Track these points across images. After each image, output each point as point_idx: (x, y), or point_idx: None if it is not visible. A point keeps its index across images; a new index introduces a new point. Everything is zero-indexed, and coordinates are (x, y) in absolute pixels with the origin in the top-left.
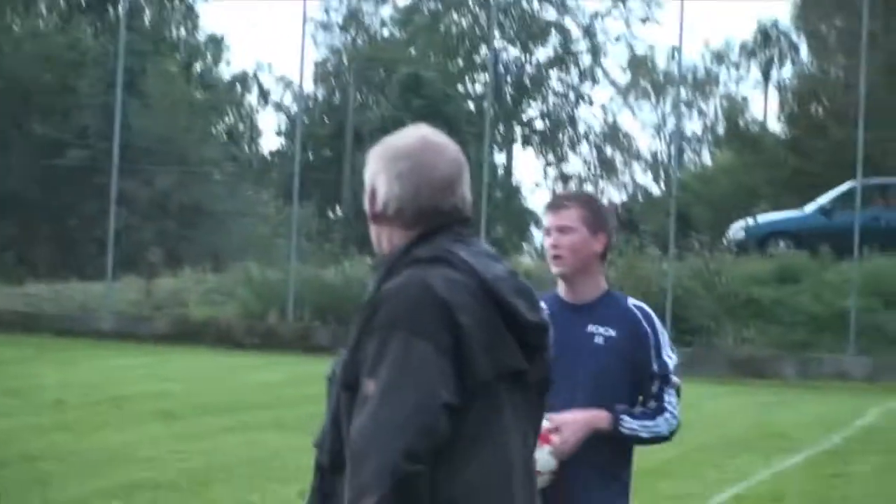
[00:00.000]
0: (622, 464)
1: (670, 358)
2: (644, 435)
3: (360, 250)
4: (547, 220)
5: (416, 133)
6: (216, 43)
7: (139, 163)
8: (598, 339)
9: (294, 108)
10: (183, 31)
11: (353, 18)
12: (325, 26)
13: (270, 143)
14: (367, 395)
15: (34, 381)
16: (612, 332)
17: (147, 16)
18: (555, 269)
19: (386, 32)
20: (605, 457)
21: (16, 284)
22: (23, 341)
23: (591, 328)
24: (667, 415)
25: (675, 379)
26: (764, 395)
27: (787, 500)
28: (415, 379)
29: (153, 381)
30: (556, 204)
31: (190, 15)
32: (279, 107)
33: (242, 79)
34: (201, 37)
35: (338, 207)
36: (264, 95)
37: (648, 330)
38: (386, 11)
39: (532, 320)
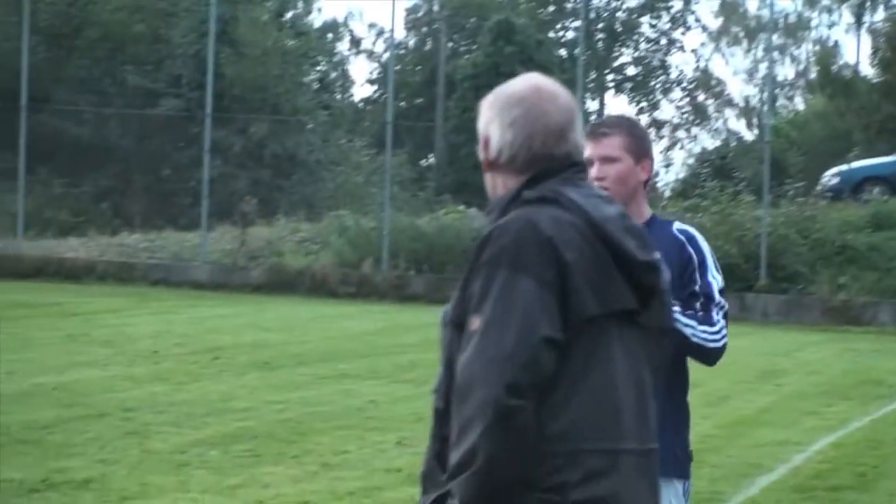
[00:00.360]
0: (678, 385)
1: (715, 279)
2: (687, 333)
3: (454, 198)
4: (588, 149)
5: (528, 81)
6: None
7: (232, 112)
8: None
9: (386, 56)
10: None
11: None
12: None
13: (363, 91)
14: (472, 330)
15: (130, 331)
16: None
17: None
18: None
19: None
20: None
21: (111, 235)
22: (118, 292)
23: None
24: (713, 329)
25: (720, 299)
26: (860, 342)
27: (884, 448)
28: (517, 314)
29: (249, 331)
30: (597, 132)
31: None
32: (371, 55)
33: (333, 26)
34: None
35: (431, 155)
36: (356, 43)
37: (693, 252)
38: None
39: (641, 259)
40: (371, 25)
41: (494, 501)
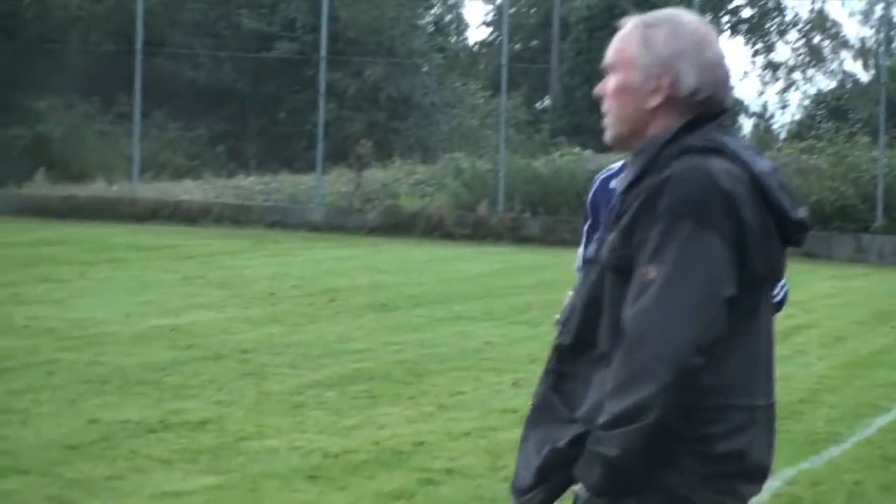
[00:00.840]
0: None
1: None
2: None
3: (569, 140)
4: None
5: (697, 18)
6: None
7: (347, 54)
8: None
9: None
10: None
11: None
12: None
13: (477, 34)
14: (648, 280)
15: (246, 273)
16: None
17: None
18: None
19: None
20: None
21: (226, 178)
22: (234, 234)
23: None
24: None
25: None
26: None
27: None
28: (702, 269)
29: (365, 274)
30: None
31: None
32: None
33: None
34: None
35: (546, 97)
36: None
37: None
38: None
39: (795, 218)
40: None
41: (650, 452)
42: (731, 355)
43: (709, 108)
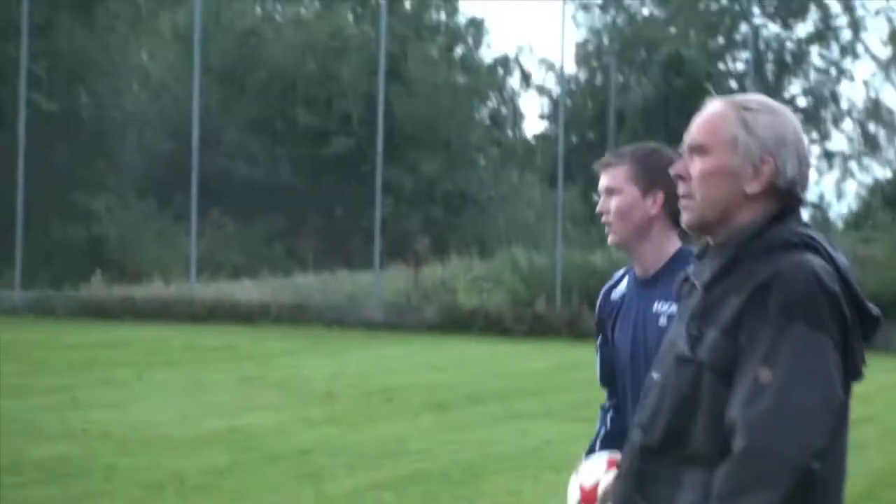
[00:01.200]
0: None
1: None
2: None
3: None
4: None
5: (785, 107)
6: (477, 26)
7: (403, 150)
8: (662, 321)
9: (556, 91)
10: (443, 15)
11: None
12: (586, 7)
13: (534, 126)
14: (763, 383)
15: (304, 373)
16: (675, 308)
17: (407, 0)
18: (608, 240)
19: (646, 12)
20: None
21: (284, 276)
22: (292, 333)
23: (656, 307)
24: None
25: None
26: None
27: None
28: (818, 374)
29: (423, 372)
30: (604, 162)
31: None
32: (541, 90)
33: (504, 62)
34: (461, 20)
35: None
36: (526, 78)
37: None
38: None
39: (874, 314)
40: (541, 60)
41: None
42: (829, 456)
43: (794, 200)
